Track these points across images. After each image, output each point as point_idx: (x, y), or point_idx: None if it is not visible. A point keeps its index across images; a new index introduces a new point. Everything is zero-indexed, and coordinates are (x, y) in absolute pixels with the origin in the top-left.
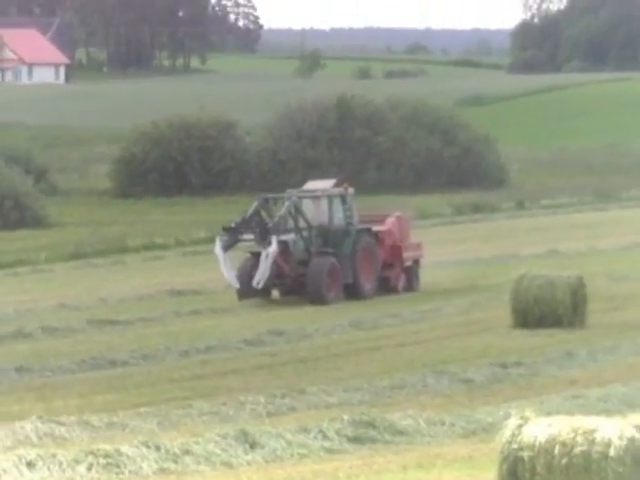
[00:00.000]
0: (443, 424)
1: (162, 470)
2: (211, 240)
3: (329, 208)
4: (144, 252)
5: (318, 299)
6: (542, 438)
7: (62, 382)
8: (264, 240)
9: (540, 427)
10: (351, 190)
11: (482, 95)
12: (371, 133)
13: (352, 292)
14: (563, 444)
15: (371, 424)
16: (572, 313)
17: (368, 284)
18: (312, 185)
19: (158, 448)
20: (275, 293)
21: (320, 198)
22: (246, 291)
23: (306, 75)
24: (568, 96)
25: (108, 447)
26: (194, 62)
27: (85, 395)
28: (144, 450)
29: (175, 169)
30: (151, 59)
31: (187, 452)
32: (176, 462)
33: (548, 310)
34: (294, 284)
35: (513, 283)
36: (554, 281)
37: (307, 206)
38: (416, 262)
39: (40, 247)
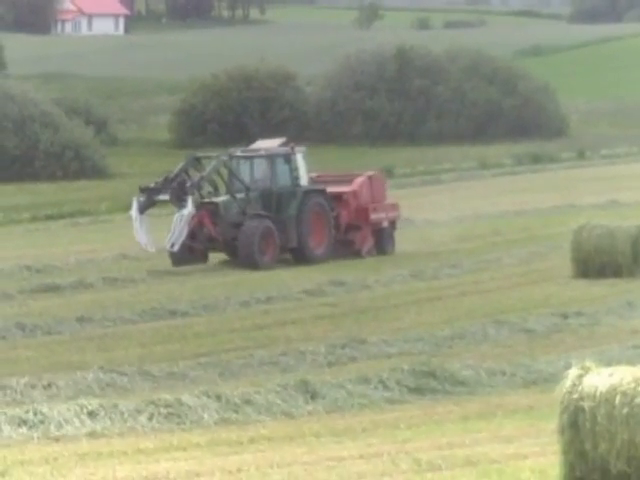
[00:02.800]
0: (504, 374)
1: (223, 420)
2: None
3: (271, 168)
4: None
5: (250, 263)
6: (603, 388)
7: (123, 332)
8: (180, 201)
9: (601, 377)
10: (300, 149)
11: (542, 45)
12: (430, 84)
13: (299, 256)
14: (624, 394)
15: (431, 374)
16: (632, 263)
17: (319, 248)
18: (260, 144)
19: (219, 398)
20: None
21: (262, 158)
22: (181, 256)
23: (365, 26)
24: (628, 46)
25: (169, 397)
26: (253, 13)
27: (146, 345)
28: (205, 400)
29: (234, 120)
30: (210, 10)
31: (248, 402)
32: (237, 412)
33: (608, 260)
34: (227, 247)
35: (573, 233)
36: (614, 231)
37: (252, 166)
38: (392, 224)
39: (100, 198)
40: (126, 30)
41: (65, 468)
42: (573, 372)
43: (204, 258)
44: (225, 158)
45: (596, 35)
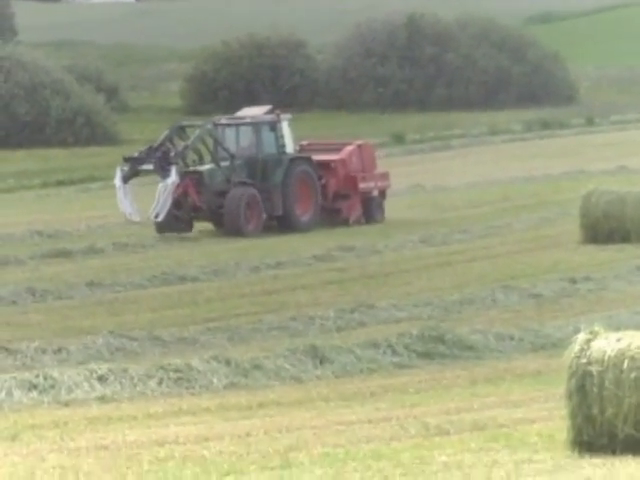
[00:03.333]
0: (512, 339)
1: (232, 384)
2: None
3: (256, 136)
4: None
5: (235, 231)
6: (611, 352)
7: (133, 297)
8: (163, 171)
9: (609, 342)
10: (286, 116)
11: (552, 12)
12: (441, 51)
13: (284, 224)
14: (632, 358)
15: (440, 339)
16: None
17: (305, 216)
18: (245, 112)
19: (228, 363)
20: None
21: (247, 126)
22: (165, 224)
23: None
24: (638, 13)
25: (179, 362)
26: None
27: (156, 310)
28: (214, 365)
29: (245, 87)
30: None
31: (257, 367)
32: (246, 376)
33: (617, 225)
34: (212, 216)
35: (582, 199)
36: (623, 197)
37: (237, 134)
38: (382, 193)
39: (111, 164)
40: None
41: (75, 432)
42: (581, 337)
43: (189, 227)
44: (210, 126)
45: (606, 2)
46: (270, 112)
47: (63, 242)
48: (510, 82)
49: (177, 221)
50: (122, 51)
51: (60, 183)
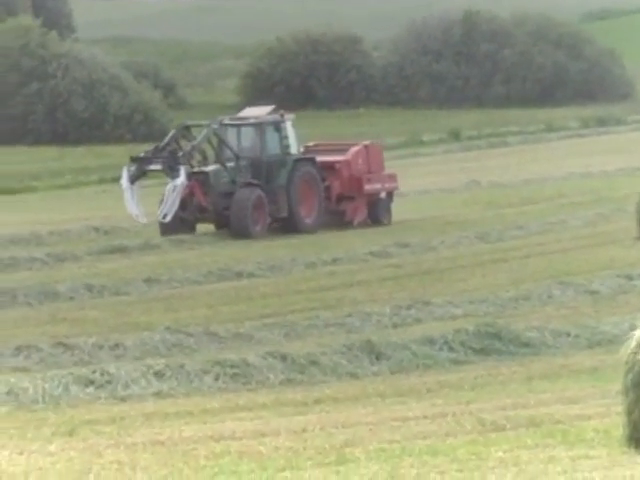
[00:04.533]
0: (568, 335)
1: (289, 380)
2: None
3: (261, 137)
4: None
5: (242, 233)
6: None
7: (189, 293)
8: (172, 171)
9: None
10: (290, 117)
11: (608, 9)
12: (497, 48)
13: (289, 226)
14: None
15: (496, 335)
16: None
17: (309, 217)
18: (248, 112)
19: (284, 358)
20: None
21: (251, 126)
22: (170, 226)
23: None
24: None
25: (235, 357)
26: None
27: (212, 306)
28: (270, 360)
29: (301, 83)
30: None
31: (313, 363)
32: (302, 373)
33: None
34: (219, 217)
35: (638, 195)
36: None
37: (241, 135)
38: (389, 195)
39: None
40: None
41: (132, 428)
42: (638, 333)
43: (192, 229)
44: (216, 126)
45: None
46: (274, 112)
47: (120, 238)
48: (567, 79)
49: (182, 222)
50: (178, 48)
51: (117, 180)
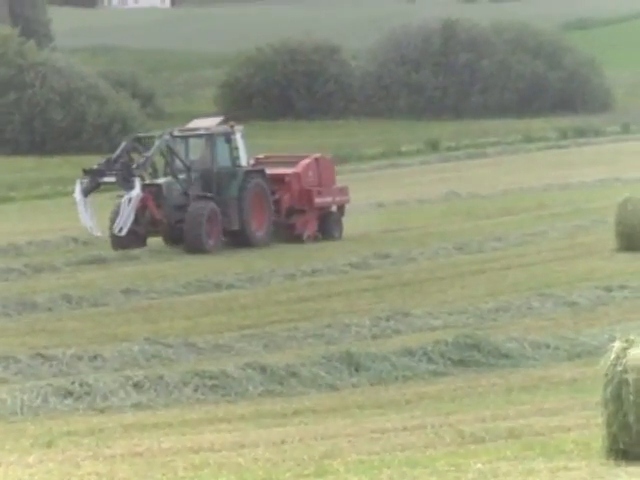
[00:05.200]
0: (548, 347)
1: (268, 392)
2: None
3: (211, 148)
4: None
5: (196, 247)
6: None
7: (168, 304)
8: (127, 183)
9: None
10: (240, 128)
11: (588, 18)
12: (476, 57)
13: (240, 239)
14: None
15: (476, 347)
16: None
17: (260, 231)
18: (197, 123)
19: (264, 370)
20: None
21: (202, 137)
22: (121, 240)
23: None
24: None
25: (214, 369)
26: None
27: (191, 317)
28: (250, 372)
29: (280, 93)
30: None
31: (292, 374)
32: (281, 384)
33: None
34: (171, 231)
35: (618, 207)
36: None
37: (191, 146)
38: (340, 208)
39: None
40: (172, 3)
41: (110, 439)
42: (617, 345)
43: (143, 242)
44: (168, 138)
45: None
46: (223, 123)
47: (98, 249)
48: (545, 89)
49: (134, 236)
50: (157, 57)
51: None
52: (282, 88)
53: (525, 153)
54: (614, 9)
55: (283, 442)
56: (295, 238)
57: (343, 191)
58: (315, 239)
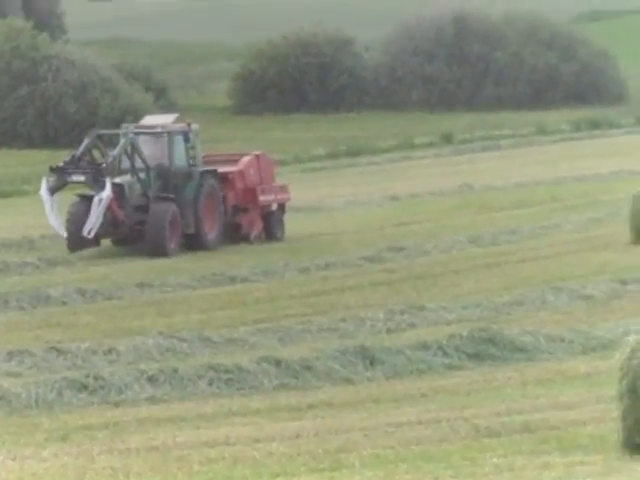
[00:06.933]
0: (562, 341)
1: (283, 385)
2: (331, 156)
3: (169, 147)
4: None
5: (158, 250)
6: None
7: (182, 298)
8: (97, 183)
9: None
10: (195, 126)
11: (601, 10)
12: (489, 49)
13: (195, 243)
14: None
15: (490, 341)
16: None
17: (212, 233)
18: (150, 120)
19: (278, 363)
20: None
21: (159, 135)
22: (77, 240)
23: None
24: None
25: (229, 362)
26: None
27: (205, 311)
28: (264, 365)
29: (293, 86)
30: None
31: (307, 368)
32: (296, 378)
33: None
34: (130, 233)
35: (632, 199)
36: None
37: (148, 144)
38: (281, 207)
39: None
40: None
41: (125, 433)
42: (632, 338)
43: (97, 243)
44: (132, 135)
45: None
46: (178, 121)
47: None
48: (559, 81)
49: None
50: (170, 50)
51: None
52: (295, 81)
53: (539, 145)
54: (628, 0)
55: (298, 436)
56: (241, 238)
57: (283, 189)
58: (261, 239)
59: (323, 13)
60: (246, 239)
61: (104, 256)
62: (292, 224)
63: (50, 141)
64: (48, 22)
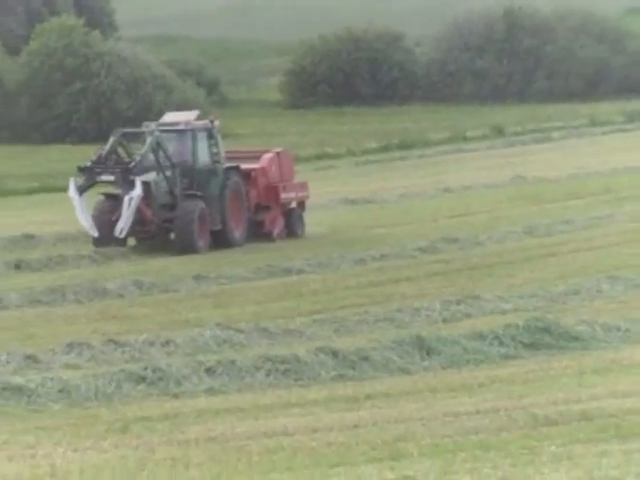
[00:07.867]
0: (618, 330)
1: (340, 376)
2: (383, 149)
3: (193, 144)
4: (316, 162)
5: (188, 248)
6: None
7: (238, 290)
8: (126, 182)
9: None
10: (217, 123)
11: None
12: (539, 43)
13: (221, 240)
14: None
15: (546, 330)
16: None
17: (237, 230)
18: (172, 117)
19: (335, 354)
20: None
21: (183, 132)
22: (104, 239)
23: None
24: None
25: (286, 353)
26: None
27: (261, 302)
28: (321, 356)
29: (344, 80)
30: None
31: (364, 358)
32: (353, 368)
33: None
34: (158, 231)
35: None
36: None
37: (172, 142)
38: (301, 204)
39: None
40: None
41: (184, 424)
42: None
43: (124, 242)
44: (158, 134)
45: None
46: (199, 118)
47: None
48: (610, 73)
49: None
50: (220, 46)
51: None
52: (347, 75)
53: (590, 137)
54: None
55: (356, 426)
56: (264, 236)
57: (303, 186)
58: (282, 237)
59: (374, 10)
60: (268, 237)
61: (160, 249)
62: (346, 216)
63: (103, 136)
64: (99, 19)
